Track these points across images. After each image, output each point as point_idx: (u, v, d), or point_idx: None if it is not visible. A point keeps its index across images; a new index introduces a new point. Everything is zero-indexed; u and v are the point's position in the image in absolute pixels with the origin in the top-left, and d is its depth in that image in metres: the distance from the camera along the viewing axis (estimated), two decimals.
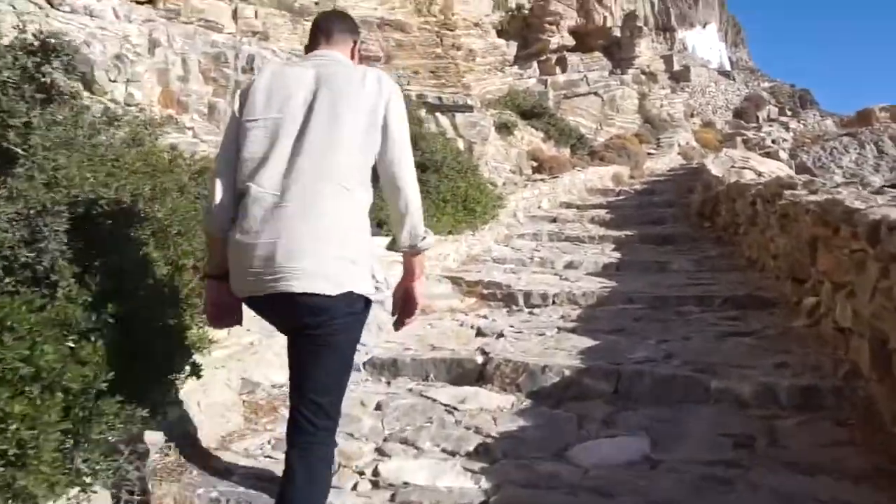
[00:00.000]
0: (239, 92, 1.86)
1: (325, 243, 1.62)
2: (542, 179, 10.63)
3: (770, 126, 12.94)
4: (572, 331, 3.83)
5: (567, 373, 2.99)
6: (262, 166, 1.67)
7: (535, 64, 16.83)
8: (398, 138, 1.72)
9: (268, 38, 7.00)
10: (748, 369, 2.97)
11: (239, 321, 1.93)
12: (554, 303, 4.85)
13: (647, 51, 22.18)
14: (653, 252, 7.09)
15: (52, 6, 4.42)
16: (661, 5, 25.81)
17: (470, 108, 9.38)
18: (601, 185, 12.32)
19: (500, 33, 16.11)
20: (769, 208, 5.28)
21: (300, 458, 1.68)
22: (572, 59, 17.14)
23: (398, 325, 1.93)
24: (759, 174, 7.91)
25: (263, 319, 1.85)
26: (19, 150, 1.97)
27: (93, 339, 1.89)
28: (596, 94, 16.77)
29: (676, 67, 26.98)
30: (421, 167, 7.11)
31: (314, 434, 1.69)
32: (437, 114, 9.13)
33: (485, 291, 5.15)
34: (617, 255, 7.02)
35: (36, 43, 1.92)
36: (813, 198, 3.99)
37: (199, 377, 2.23)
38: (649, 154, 16.08)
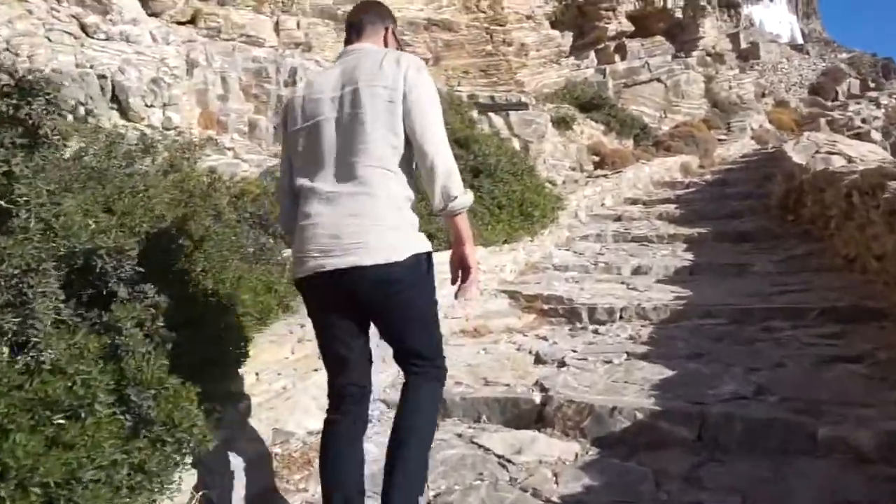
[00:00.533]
0: (283, 108, 2.01)
1: (382, 218, 1.74)
2: (604, 175, 10.08)
3: (857, 104, 11.72)
4: (644, 356, 3.40)
5: (640, 416, 2.57)
6: (312, 166, 1.83)
7: (592, 53, 16.13)
8: (419, 104, 1.78)
9: (311, 48, 6.84)
10: (864, 408, 2.47)
11: None
12: (621, 318, 4.40)
13: (711, 30, 20.93)
14: (730, 252, 6.47)
15: (87, 35, 4.35)
16: None
17: (524, 106, 8.95)
18: (668, 178, 11.60)
19: (553, 24, 15.52)
20: (869, 202, 4.63)
21: (413, 383, 1.85)
22: (632, 45, 16.31)
23: (458, 294, 1.94)
24: (850, 159, 7.11)
25: (316, 311, 1.90)
26: (2, 203, 1.76)
27: (83, 415, 1.66)
28: (658, 80, 15.89)
29: (744, 45, 25.45)
30: (473, 172, 6.77)
31: (422, 366, 1.84)
32: (491, 114, 8.74)
33: (545, 307, 4.75)
34: (689, 256, 6.45)
35: (11, 83, 1.70)
36: None
37: (210, 447, 1.97)
38: (719, 140, 15.09)
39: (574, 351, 3.63)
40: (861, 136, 8.22)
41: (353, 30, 1.98)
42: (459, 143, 7.08)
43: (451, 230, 1.87)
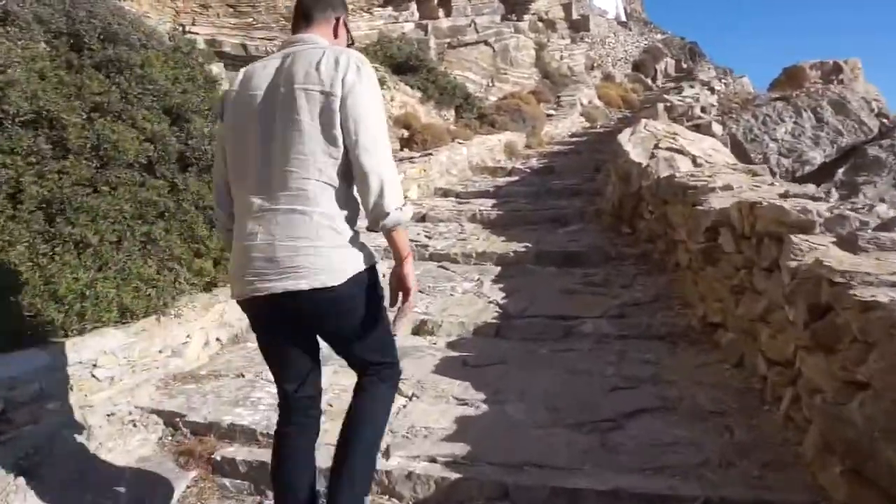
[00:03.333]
0: (219, 99, 2.11)
1: (319, 239, 1.64)
2: (409, 159, 7.98)
3: (692, 87, 10.92)
4: None
5: None
6: (244, 171, 1.72)
7: (413, 5, 13.88)
8: (355, 108, 1.64)
9: None
10: None
11: None
12: None
13: None
14: (553, 288, 4.70)
15: None
16: None
17: None
18: (491, 161, 9.85)
19: None
20: (753, 255, 2.94)
21: (366, 384, 1.83)
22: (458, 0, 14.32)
23: (396, 321, 1.80)
24: (695, 160, 5.68)
25: (259, 329, 1.83)
26: None
27: None
28: (486, 43, 14.11)
29: (575, 16, 24.81)
30: (180, 162, 4.29)
31: (377, 370, 1.83)
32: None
33: (220, 453, 2.50)
34: (499, 296, 4.58)
35: None
36: None
37: None
38: (548, 116, 13.77)
39: None
40: (701, 128, 6.98)
41: (302, 17, 1.84)
42: (170, 112, 4.53)
43: (390, 246, 1.73)
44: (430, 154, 8.24)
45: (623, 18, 38.08)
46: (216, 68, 5.90)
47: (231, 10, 6.21)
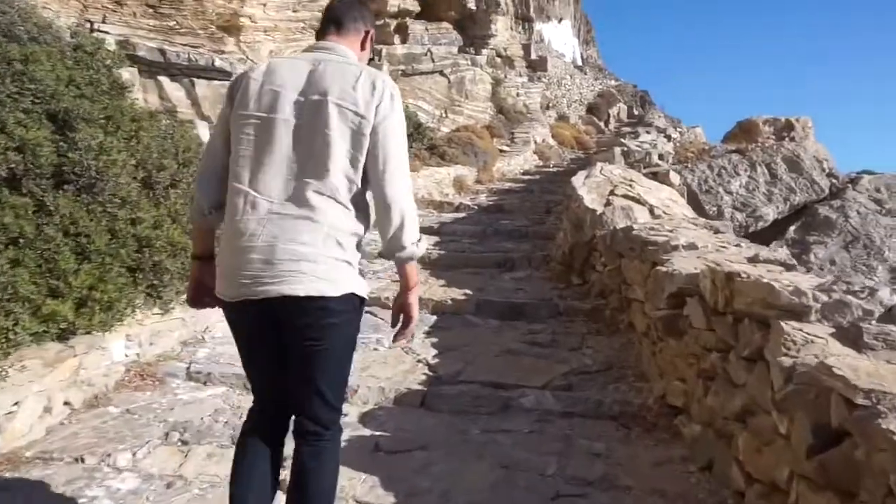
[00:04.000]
0: (232, 81, 1.84)
1: (322, 248, 1.62)
2: None
3: (648, 133, 10.79)
4: None
5: None
6: (255, 168, 1.66)
7: None
8: (385, 139, 1.65)
9: None
10: None
11: (215, 304, 1.83)
12: None
13: (504, 31, 19.63)
14: (494, 343, 4.14)
15: None
16: None
17: (224, 73, 5.82)
18: (438, 195, 9.34)
19: None
20: (727, 333, 2.44)
21: (311, 454, 1.70)
22: (415, 27, 13.94)
23: (396, 338, 1.82)
24: (653, 211, 5.28)
25: (241, 333, 1.74)
26: None
27: None
28: (442, 73, 13.74)
29: (534, 56, 25.01)
30: (57, 179, 3.58)
31: (323, 433, 1.71)
32: (163, 78, 5.48)
33: None
34: (432, 351, 4.01)
35: None
36: None
37: None
38: (501, 151, 13.43)
39: None
40: (658, 176, 6.66)
41: (332, 24, 1.81)
42: (55, 118, 3.82)
43: (399, 275, 1.75)
44: None
45: (579, 62, 38.90)
46: (127, 73, 5.17)
47: (150, 10, 5.51)
